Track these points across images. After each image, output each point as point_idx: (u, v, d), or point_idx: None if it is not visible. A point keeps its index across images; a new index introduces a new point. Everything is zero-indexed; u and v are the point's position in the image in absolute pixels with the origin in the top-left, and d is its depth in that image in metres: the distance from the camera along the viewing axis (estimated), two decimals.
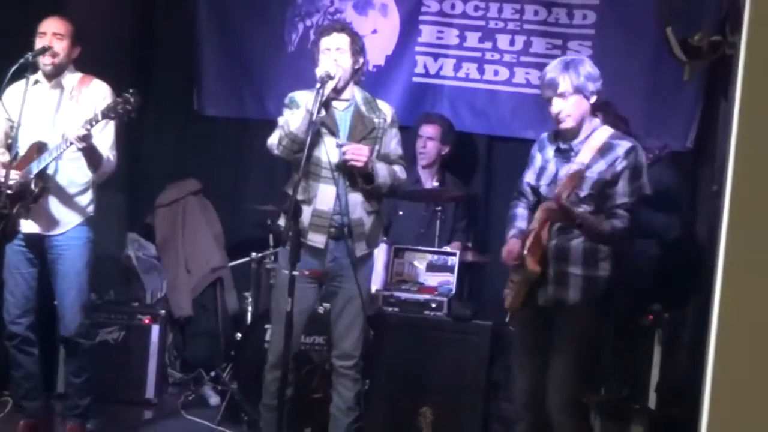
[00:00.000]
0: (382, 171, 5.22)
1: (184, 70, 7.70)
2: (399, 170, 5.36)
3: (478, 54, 7.16)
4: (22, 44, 5.37)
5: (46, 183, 5.35)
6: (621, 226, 4.59)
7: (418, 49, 7.27)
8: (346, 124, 5.24)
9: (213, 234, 7.35)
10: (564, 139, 4.74)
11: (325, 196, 5.16)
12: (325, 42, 5.22)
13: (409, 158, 6.58)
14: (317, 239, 5.16)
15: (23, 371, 5.57)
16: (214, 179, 7.63)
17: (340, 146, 5.13)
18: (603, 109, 5.38)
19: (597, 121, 4.73)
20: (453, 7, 7.19)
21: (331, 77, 5.06)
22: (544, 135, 4.92)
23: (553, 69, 4.66)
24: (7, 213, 5.26)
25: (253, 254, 6.77)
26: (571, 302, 4.64)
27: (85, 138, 5.11)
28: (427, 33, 7.25)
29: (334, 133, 5.19)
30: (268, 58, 7.55)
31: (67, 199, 5.44)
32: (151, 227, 7.44)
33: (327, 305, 5.63)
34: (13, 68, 5.07)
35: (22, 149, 5.38)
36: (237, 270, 7.16)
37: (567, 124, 4.66)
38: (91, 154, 5.28)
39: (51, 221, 5.43)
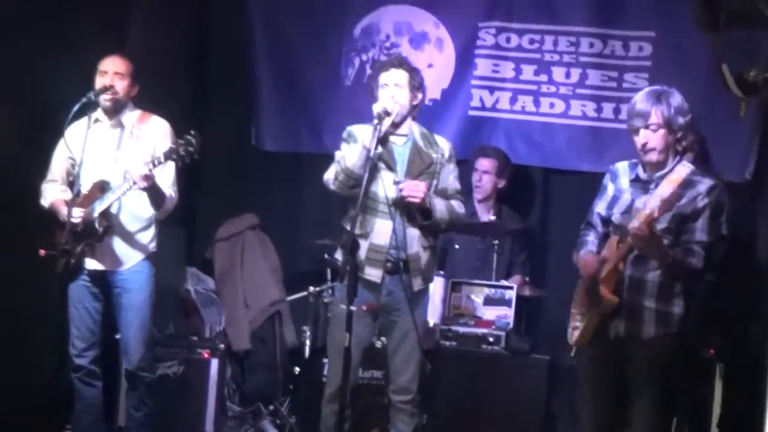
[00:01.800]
0: (439, 206, 5.22)
1: (242, 106, 7.76)
2: (457, 205, 5.36)
3: (533, 87, 7.15)
4: (83, 81, 5.46)
5: (110, 221, 5.47)
6: (698, 265, 4.52)
7: (473, 82, 7.27)
8: (404, 159, 5.26)
9: (271, 268, 7.38)
10: (647, 171, 4.67)
11: (381, 230, 5.17)
12: (384, 77, 5.25)
13: (465, 191, 6.59)
14: (374, 273, 5.17)
15: (86, 403, 5.66)
16: (272, 214, 7.67)
17: (397, 183, 5.15)
18: (692, 143, 5.33)
19: (679, 155, 4.66)
20: (508, 40, 7.20)
21: (388, 113, 5.08)
22: (618, 165, 4.84)
23: (643, 99, 4.59)
24: (70, 249, 5.37)
25: (311, 288, 6.80)
26: (645, 337, 4.55)
27: (148, 178, 5.23)
28: (482, 66, 7.25)
29: (391, 168, 5.21)
30: (325, 92, 7.59)
31: (130, 236, 5.56)
32: (210, 261, 7.48)
33: (384, 339, 5.64)
34: (76, 107, 5.15)
35: (84, 187, 5.49)
36: (295, 304, 7.18)
37: (652, 156, 4.60)
38: (153, 192, 5.39)
39: (115, 258, 5.54)
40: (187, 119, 5.88)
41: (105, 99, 5.48)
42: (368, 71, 7.36)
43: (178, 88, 7.31)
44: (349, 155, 5.13)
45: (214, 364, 6.58)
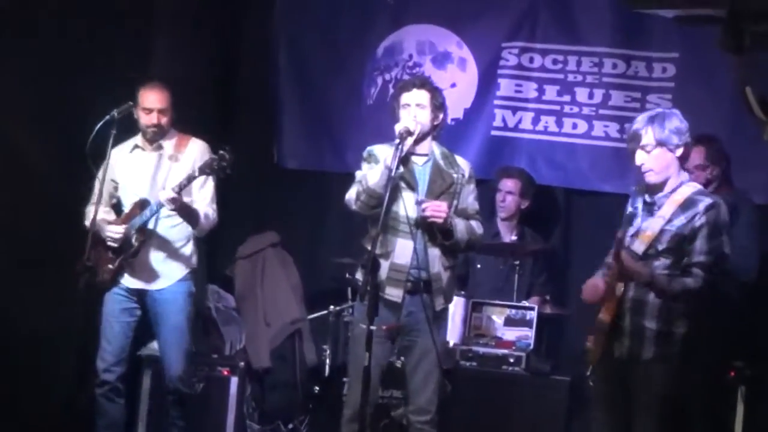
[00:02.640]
0: (460, 226, 5.22)
1: (265, 123, 7.78)
2: (476, 225, 5.35)
3: (556, 107, 7.14)
4: (113, 102, 5.50)
5: (147, 238, 5.61)
6: (694, 286, 4.54)
7: (496, 102, 7.26)
8: (425, 178, 5.25)
9: (292, 286, 7.38)
10: (650, 193, 4.71)
11: (402, 250, 5.16)
12: (406, 97, 5.24)
13: (487, 211, 6.59)
14: (394, 293, 5.16)
15: (108, 420, 5.73)
16: (293, 232, 7.66)
17: (419, 203, 5.14)
18: (705, 143, 5.35)
19: (685, 175, 4.70)
20: (531, 60, 7.19)
21: (410, 133, 5.08)
22: (634, 188, 4.90)
23: (638, 122, 4.66)
24: (93, 266, 5.51)
25: (332, 307, 6.81)
26: (645, 357, 4.59)
27: (175, 200, 5.37)
28: (505, 86, 7.25)
29: (412, 187, 5.20)
30: (347, 111, 7.61)
31: (168, 254, 5.71)
32: (231, 279, 7.49)
33: (403, 359, 5.62)
34: (99, 125, 5.18)
35: (126, 208, 5.69)
36: (315, 322, 7.18)
37: (649, 177, 4.65)
38: (184, 213, 5.54)
39: (154, 275, 5.68)
40: (210, 137, 5.92)
41: (152, 131, 5.68)
42: (391, 90, 7.35)
43: (202, 106, 7.32)
44: (370, 175, 5.13)
45: (234, 382, 6.59)
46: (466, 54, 7.35)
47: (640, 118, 4.68)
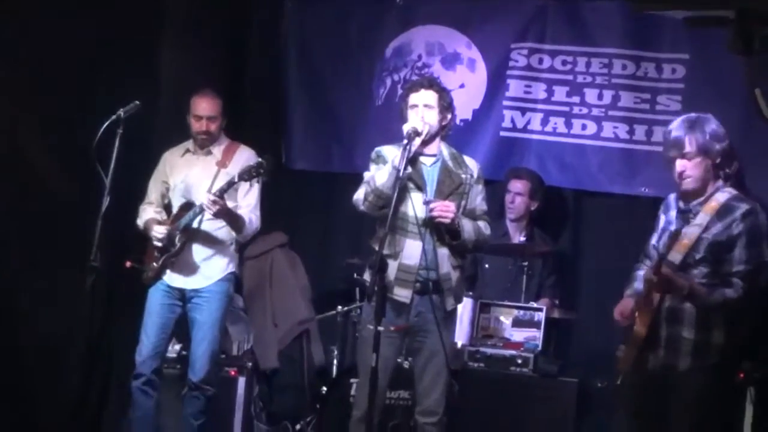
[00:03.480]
0: (467, 227, 5.21)
1: (273, 124, 7.79)
2: (483, 226, 5.35)
3: (565, 108, 7.13)
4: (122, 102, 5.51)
5: (190, 238, 5.81)
6: (733, 297, 4.44)
7: (505, 103, 7.25)
8: (434, 179, 5.25)
9: (300, 287, 7.37)
10: (685, 200, 4.62)
11: (411, 250, 5.16)
12: (413, 98, 5.25)
13: (496, 212, 6.58)
14: (402, 294, 5.15)
15: (141, 413, 5.91)
16: (301, 232, 7.67)
17: (427, 203, 5.14)
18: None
19: (720, 182, 4.59)
20: (541, 61, 7.18)
21: (418, 133, 5.08)
22: (671, 196, 4.78)
23: (678, 128, 4.55)
24: (145, 261, 5.86)
25: (339, 308, 6.81)
26: (682, 368, 4.50)
27: (216, 203, 5.56)
28: (514, 87, 7.24)
29: (421, 188, 5.20)
30: (356, 112, 7.61)
31: (209, 255, 5.91)
32: (239, 279, 7.49)
33: (411, 360, 5.62)
34: (105, 124, 5.19)
35: (175, 210, 5.92)
36: (323, 323, 7.18)
37: (689, 185, 4.55)
38: (227, 217, 5.74)
39: (194, 274, 5.88)
40: None
41: (201, 138, 5.95)
42: (399, 91, 7.36)
43: None
44: (378, 176, 5.13)
45: (242, 382, 6.60)
46: (475, 55, 7.34)
47: (678, 124, 4.57)
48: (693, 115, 4.67)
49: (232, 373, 6.58)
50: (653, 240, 4.80)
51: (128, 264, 5.92)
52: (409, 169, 5.09)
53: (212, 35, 7.34)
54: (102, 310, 6.27)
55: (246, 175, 5.56)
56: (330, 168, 7.65)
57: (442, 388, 5.23)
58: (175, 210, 5.95)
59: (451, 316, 5.37)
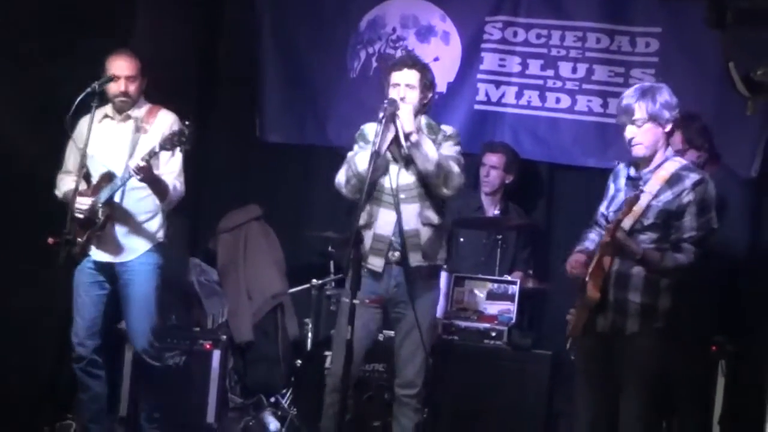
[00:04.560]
0: (428, 145, 5.18)
1: (247, 97, 7.76)
2: (453, 162, 5.27)
3: (540, 81, 7.13)
4: (92, 73, 5.47)
5: (113, 211, 5.52)
6: (685, 261, 4.57)
7: (479, 76, 7.25)
8: None
9: (274, 260, 7.37)
10: (635, 168, 4.72)
11: (386, 220, 5.20)
12: (396, 76, 5.28)
13: (470, 185, 6.58)
14: (376, 263, 5.20)
15: (90, 393, 5.73)
16: (276, 205, 7.65)
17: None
18: (686, 123, 5.34)
19: (671, 150, 4.72)
20: (515, 34, 7.18)
21: (395, 110, 5.07)
22: (620, 164, 4.90)
23: (629, 95, 4.65)
24: (72, 239, 5.42)
25: (314, 281, 6.81)
26: (629, 332, 4.61)
27: (143, 169, 5.29)
28: (489, 60, 7.23)
29: (397, 160, 5.21)
30: (330, 84, 7.58)
31: (135, 227, 5.63)
32: (213, 252, 7.48)
33: (388, 332, 5.64)
34: (80, 97, 5.15)
35: (94, 179, 5.59)
36: (297, 296, 7.18)
37: (638, 151, 4.65)
38: (153, 184, 5.46)
39: (120, 248, 5.61)
40: (191, 109, 5.90)
41: (120, 101, 5.61)
42: (374, 64, 7.36)
43: (184, 79, 7.29)
44: (359, 160, 5.18)
45: (216, 355, 6.59)
46: (450, 28, 7.33)
47: (630, 92, 4.67)
48: (647, 84, 4.81)
49: (207, 346, 6.57)
50: (602, 208, 4.90)
51: (51, 240, 5.42)
52: (388, 154, 5.12)
53: (185, 10, 7.30)
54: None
55: (168, 144, 5.26)
56: (303, 140, 7.62)
57: (421, 360, 5.26)
58: (95, 180, 5.62)
59: (427, 288, 5.34)
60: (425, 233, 5.27)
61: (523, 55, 7.17)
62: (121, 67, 5.59)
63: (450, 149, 5.36)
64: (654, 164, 4.66)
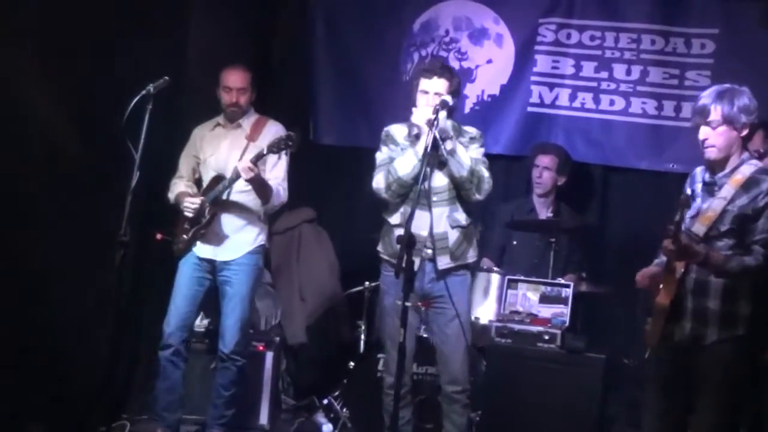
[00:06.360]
0: (462, 150, 5.31)
1: (301, 99, 7.79)
2: (482, 166, 5.39)
3: (593, 84, 7.11)
4: (151, 75, 5.51)
5: (219, 210, 5.90)
6: (753, 264, 4.40)
7: (533, 78, 7.25)
8: None
9: (327, 262, 7.39)
10: (710, 172, 4.60)
11: (419, 220, 5.23)
12: (425, 84, 5.36)
13: (523, 188, 6.57)
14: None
15: (168, 383, 5.97)
16: (328, 208, 7.68)
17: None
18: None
19: (747, 154, 4.57)
20: (569, 36, 7.16)
21: (432, 125, 5.10)
22: (697, 169, 4.74)
23: (706, 96, 4.52)
24: (176, 233, 5.95)
25: (367, 283, 6.83)
26: (709, 341, 4.47)
27: (251, 170, 5.64)
28: (542, 63, 7.23)
29: (431, 164, 5.26)
30: (383, 87, 7.60)
31: (239, 227, 5.98)
32: (267, 254, 7.50)
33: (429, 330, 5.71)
34: (135, 99, 5.18)
35: (205, 183, 6.00)
36: (350, 298, 7.20)
37: (710, 154, 4.52)
38: (258, 186, 5.80)
39: (224, 248, 5.96)
40: None
41: (231, 110, 6.04)
42: None
43: None
44: (399, 165, 5.30)
45: (269, 357, 6.63)
46: (503, 30, 7.32)
47: (708, 93, 4.53)
48: (727, 85, 4.60)
49: (260, 348, 6.61)
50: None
51: (159, 236, 6.03)
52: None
53: (239, 11, 7.35)
54: (131, 284, 6.33)
55: (275, 147, 5.60)
56: (357, 143, 7.64)
57: (463, 354, 5.34)
58: (205, 183, 6.02)
59: (458, 283, 5.40)
60: (453, 236, 5.38)
61: (577, 57, 7.15)
62: (233, 79, 6.03)
63: (476, 152, 5.45)
64: (729, 168, 4.53)
